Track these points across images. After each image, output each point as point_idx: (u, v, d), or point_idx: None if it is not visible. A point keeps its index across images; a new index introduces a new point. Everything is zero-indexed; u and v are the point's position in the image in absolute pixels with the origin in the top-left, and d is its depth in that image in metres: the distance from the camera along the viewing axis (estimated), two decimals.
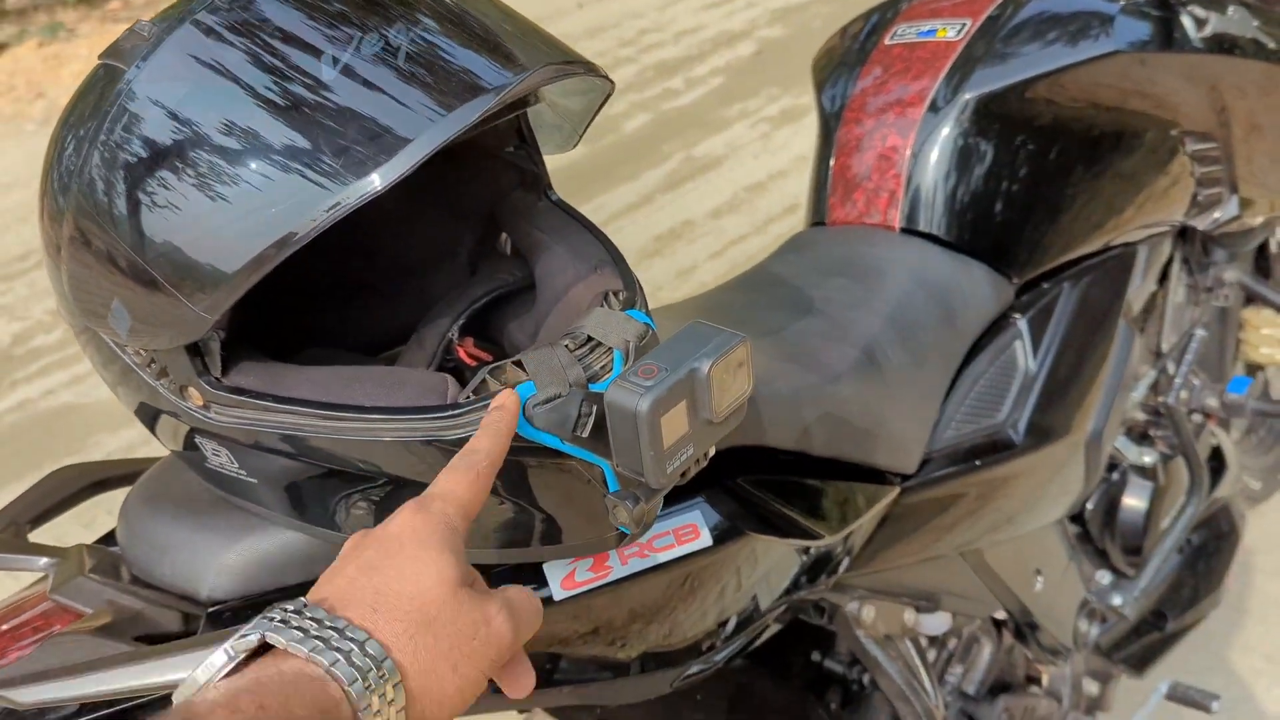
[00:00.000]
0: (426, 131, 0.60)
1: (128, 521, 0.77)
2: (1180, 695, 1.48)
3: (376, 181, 0.59)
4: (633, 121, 3.87)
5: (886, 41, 1.32)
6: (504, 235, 0.89)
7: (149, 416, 0.74)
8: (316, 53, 0.62)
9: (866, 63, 1.32)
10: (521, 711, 1.10)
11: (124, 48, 0.65)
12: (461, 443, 0.63)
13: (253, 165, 0.60)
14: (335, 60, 0.61)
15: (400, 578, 0.53)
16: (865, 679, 1.24)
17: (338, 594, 0.53)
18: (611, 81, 0.73)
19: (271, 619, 0.51)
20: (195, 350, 0.66)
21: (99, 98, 0.65)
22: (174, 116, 0.61)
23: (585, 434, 0.64)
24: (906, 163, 1.23)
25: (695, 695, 1.10)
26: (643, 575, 0.78)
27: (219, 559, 0.72)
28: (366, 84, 0.61)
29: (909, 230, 1.22)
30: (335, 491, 0.71)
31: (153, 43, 0.64)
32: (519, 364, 0.66)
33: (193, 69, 0.62)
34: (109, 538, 0.83)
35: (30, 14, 6.03)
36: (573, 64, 0.68)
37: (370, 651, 0.50)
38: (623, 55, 4.47)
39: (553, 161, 0.86)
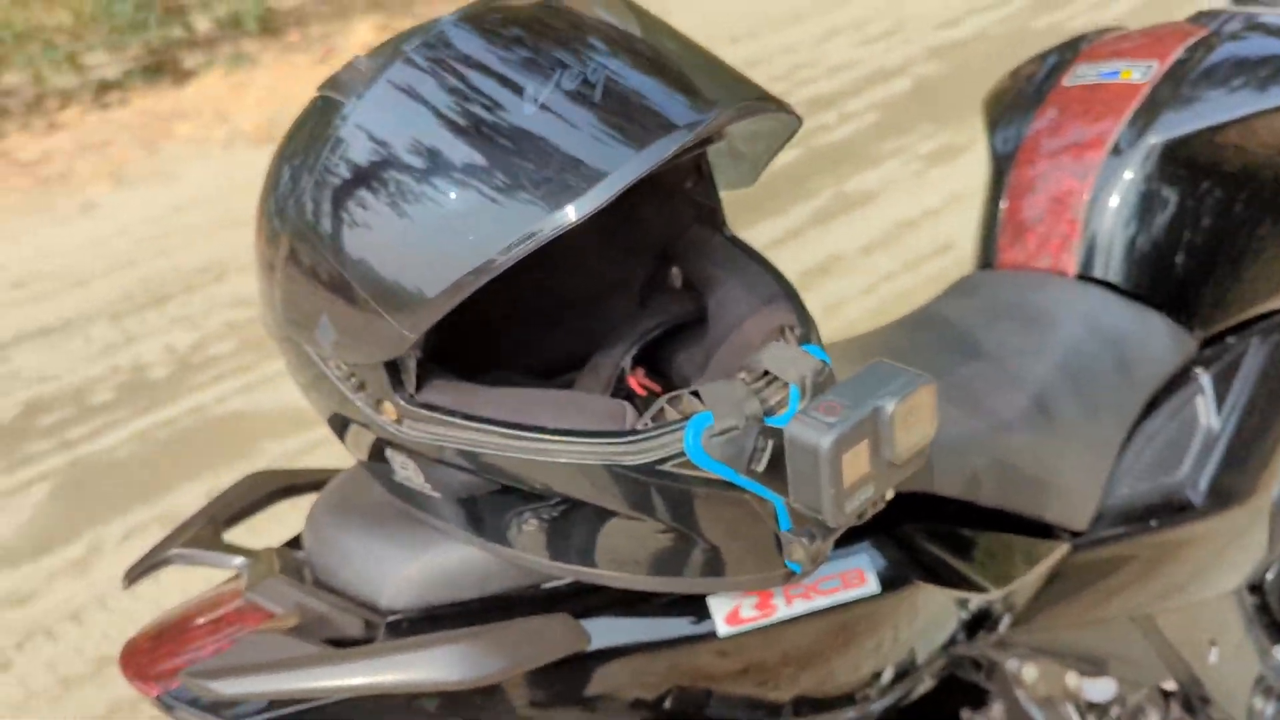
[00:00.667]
0: (621, 166, 0.62)
1: (314, 528, 0.81)
2: None
3: (571, 214, 0.61)
4: (783, 156, 3.83)
5: (1065, 83, 1.29)
6: (674, 269, 0.91)
7: (340, 425, 0.78)
8: (517, 88, 0.64)
9: (1043, 104, 1.29)
10: None
11: (342, 81, 0.70)
12: (638, 469, 0.64)
13: (456, 194, 0.63)
14: (535, 96, 0.64)
15: None
16: None
17: None
18: (799, 118, 0.73)
19: None
20: (393, 367, 0.69)
21: (317, 127, 0.69)
22: (386, 146, 0.64)
23: (760, 468, 0.64)
24: (1084, 207, 1.19)
25: None
26: (805, 618, 0.77)
27: (400, 571, 0.75)
28: (564, 119, 0.63)
29: (1084, 277, 1.18)
30: (510, 508, 0.73)
31: (369, 77, 0.68)
32: (696, 394, 0.67)
33: (404, 102, 0.66)
34: (295, 542, 0.87)
35: (217, 43, 6.47)
36: (765, 101, 0.68)
37: None
38: (776, 90, 4.45)
39: (726, 191, 0.87)
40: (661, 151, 0.62)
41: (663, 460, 0.65)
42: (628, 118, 0.64)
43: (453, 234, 0.62)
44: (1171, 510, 1.10)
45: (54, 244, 3.96)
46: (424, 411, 0.69)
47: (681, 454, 0.64)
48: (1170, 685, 1.24)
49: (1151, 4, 4.77)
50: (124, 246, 3.85)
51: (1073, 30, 1.50)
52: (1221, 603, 1.25)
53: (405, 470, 0.74)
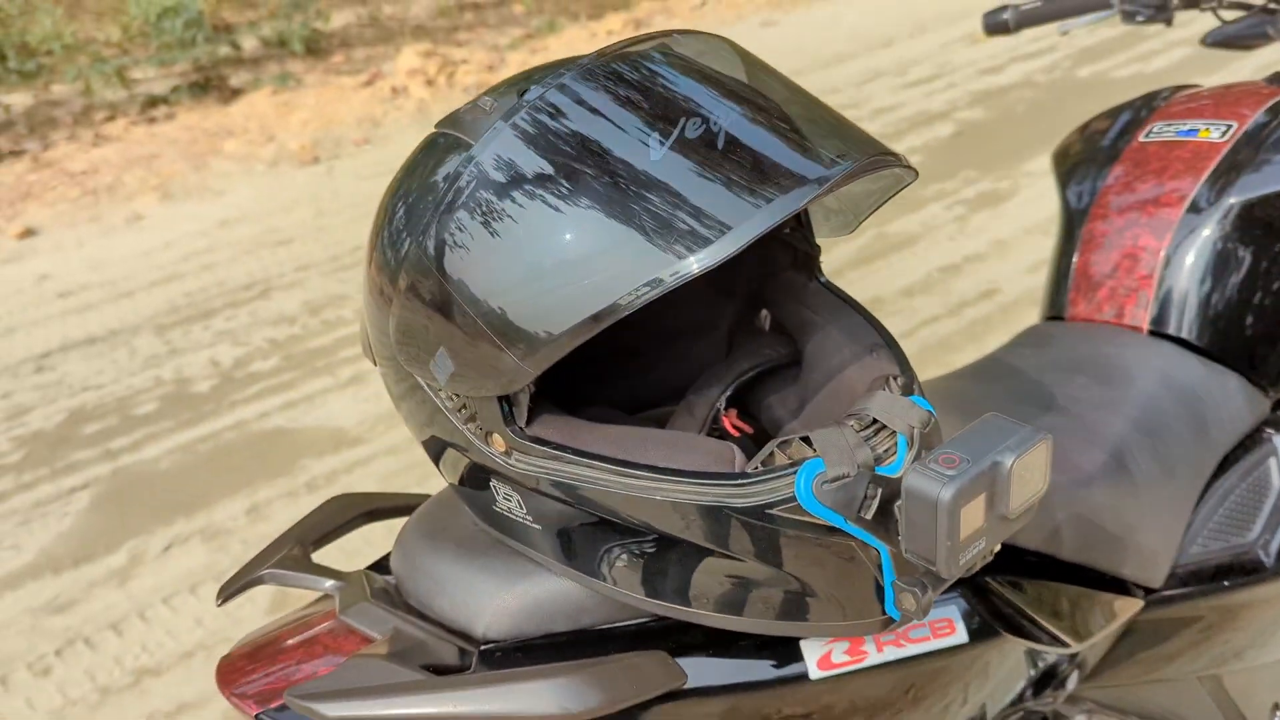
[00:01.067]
0: (749, 219, 0.63)
1: (406, 553, 0.82)
2: None
3: (695, 265, 0.62)
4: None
5: (1141, 139, 1.30)
6: (764, 312, 0.92)
7: (438, 449, 0.79)
8: (643, 135, 0.65)
9: (1118, 160, 1.29)
10: None
11: (466, 121, 0.71)
12: (746, 511, 0.65)
13: (583, 238, 0.64)
14: (660, 144, 0.65)
15: None
16: None
17: None
18: (916, 172, 0.74)
19: None
20: (505, 400, 0.70)
21: (439, 164, 0.71)
22: (513, 187, 0.66)
23: (869, 516, 0.65)
24: (1159, 263, 1.20)
25: None
26: (894, 664, 0.77)
27: (496, 600, 0.75)
28: (690, 168, 0.64)
29: (1157, 333, 1.19)
30: (609, 544, 0.73)
31: (494, 119, 0.69)
32: (806, 440, 0.67)
33: (530, 146, 0.67)
34: (380, 565, 0.88)
35: (264, 63, 6.58)
36: (884, 157, 0.69)
37: None
38: None
39: (824, 239, 0.88)
40: (790, 206, 0.63)
41: (772, 504, 0.65)
42: (755, 170, 0.64)
43: (579, 277, 0.63)
44: (1242, 570, 1.09)
45: (101, 255, 4.02)
46: (534, 445, 0.70)
47: (792, 499, 0.65)
48: None
49: (1192, 58, 4.79)
50: (170, 259, 3.91)
51: (1116, 81, 1.50)
52: None
53: (509, 501, 0.75)
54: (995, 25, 1.60)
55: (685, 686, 0.72)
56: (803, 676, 0.75)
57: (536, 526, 0.74)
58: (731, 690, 0.74)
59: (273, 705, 0.72)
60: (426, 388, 0.74)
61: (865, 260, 3.46)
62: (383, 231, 0.74)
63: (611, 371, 0.92)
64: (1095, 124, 1.40)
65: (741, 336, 0.92)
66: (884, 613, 0.70)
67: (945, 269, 3.37)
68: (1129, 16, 1.58)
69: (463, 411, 0.73)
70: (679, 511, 0.67)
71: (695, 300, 0.91)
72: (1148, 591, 1.03)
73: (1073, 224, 1.30)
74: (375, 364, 0.81)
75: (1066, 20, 1.60)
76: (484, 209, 0.66)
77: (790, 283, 0.86)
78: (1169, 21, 1.55)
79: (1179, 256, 1.18)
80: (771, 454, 0.68)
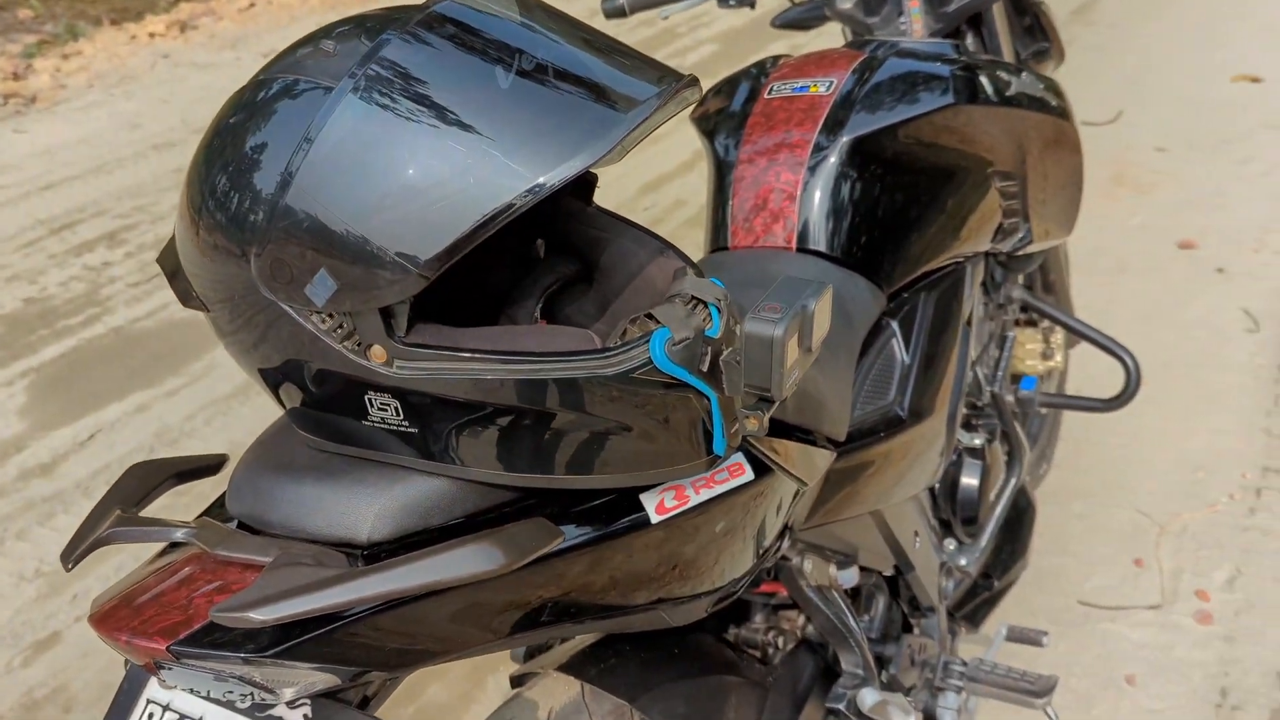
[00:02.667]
0: (615, 124, 0.76)
1: (255, 490, 0.85)
2: (1017, 635, 1.79)
3: (576, 165, 0.74)
4: None
5: (765, 96, 1.58)
6: (539, 240, 1.04)
7: (278, 378, 0.83)
8: (490, 68, 0.76)
9: (751, 115, 1.57)
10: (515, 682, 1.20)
11: (308, 64, 0.78)
12: (614, 379, 0.78)
13: (469, 148, 0.73)
14: (506, 74, 0.76)
15: None
16: (780, 641, 1.45)
17: None
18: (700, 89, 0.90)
19: None
20: (384, 313, 0.77)
21: (291, 104, 0.76)
22: (394, 113, 0.73)
23: (705, 369, 0.81)
24: (798, 193, 1.48)
25: (673, 652, 1.25)
26: (710, 503, 0.94)
27: (376, 504, 0.82)
28: (544, 91, 0.76)
29: (803, 249, 1.47)
30: (474, 431, 0.82)
31: (350, 59, 0.76)
32: (650, 316, 0.82)
33: (402, 78, 0.75)
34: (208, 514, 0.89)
35: None
36: (695, 84, 0.85)
37: None
38: None
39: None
40: (645, 112, 0.77)
41: (634, 369, 0.79)
42: (605, 88, 0.78)
43: (473, 183, 0.73)
44: (889, 425, 1.41)
45: None
46: (418, 350, 0.78)
47: (649, 362, 0.79)
48: (888, 572, 1.56)
49: (720, 54, 5.52)
50: None
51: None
52: (917, 502, 1.60)
53: (384, 411, 0.81)
54: (613, 10, 1.84)
55: (562, 546, 0.84)
56: (646, 523, 0.90)
57: (413, 430, 0.81)
58: (594, 543, 0.87)
59: (181, 636, 0.73)
60: (293, 313, 0.78)
61: None
62: (217, 185, 0.77)
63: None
64: (723, 89, 1.67)
65: (529, 264, 1.04)
66: (709, 453, 0.86)
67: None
68: (723, 1, 1.90)
69: (339, 330, 0.78)
70: (556, 388, 0.79)
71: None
72: (837, 445, 1.29)
73: (723, 173, 1.55)
74: (206, 310, 0.83)
75: (669, 5, 1.88)
76: (361, 136, 0.73)
77: (569, 208, 1.00)
78: (753, 5, 1.89)
79: (811, 187, 1.48)
80: (625, 330, 0.82)
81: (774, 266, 1.44)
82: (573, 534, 0.86)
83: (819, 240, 1.47)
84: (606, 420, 0.82)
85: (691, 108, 1.66)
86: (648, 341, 0.79)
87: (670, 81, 0.82)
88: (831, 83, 1.55)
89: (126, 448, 2.94)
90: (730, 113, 1.60)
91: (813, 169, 1.48)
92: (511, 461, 0.83)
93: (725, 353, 0.81)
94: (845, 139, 1.49)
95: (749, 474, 0.98)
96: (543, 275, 0.98)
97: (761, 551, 1.05)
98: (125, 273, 3.84)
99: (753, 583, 1.04)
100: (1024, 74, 1.68)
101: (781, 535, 1.09)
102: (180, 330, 3.48)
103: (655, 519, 0.90)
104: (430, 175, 0.73)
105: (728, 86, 1.68)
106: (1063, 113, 1.73)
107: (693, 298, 0.84)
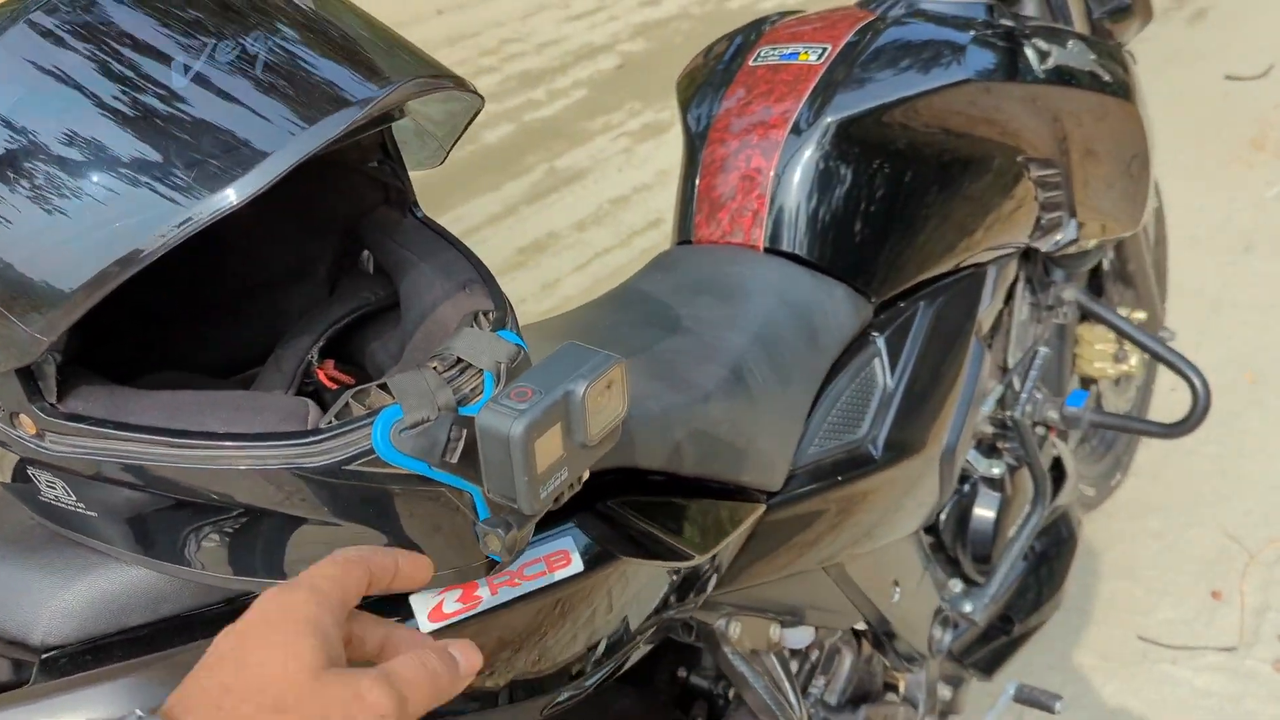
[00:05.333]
0: (287, 145, 0.58)
1: None
2: (1026, 697, 1.55)
3: (232, 196, 0.56)
4: (494, 132, 3.84)
5: (750, 63, 1.34)
6: (365, 253, 0.86)
7: None
8: (167, 59, 0.58)
9: (731, 84, 1.34)
10: None
11: None
12: (324, 470, 0.61)
13: (95, 177, 0.56)
14: (187, 68, 0.58)
15: (245, 667, 0.52)
16: (730, 693, 1.25)
17: (181, 698, 0.51)
18: (481, 97, 0.71)
19: None
20: (28, 374, 0.61)
21: None
22: (7, 124, 0.56)
23: (455, 459, 0.62)
24: (770, 184, 1.25)
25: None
26: (513, 604, 0.76)
27: (55, 600, 0.67)
28: (222, 94, 0.58)
29: (773, 250, 1.24)
30: (185, 524, 0.66)
31: None
32: (384, 387, 0.63)
33: (28, 73, 0.57)
34: None
35: None
36: (440, 78, 0.66)
37: None
38: (484, 64, 4.43)
39: (414, 170, 0.84)
40: (331, 129, 0.59)
41: (350, 459, 0.61)
42: (294, 93, 0.59)
43: (90, 222, 0.55)
44: (855, 465, 1.18)
45: None
46: (69, 423, 0.61)
47: (370, 451, 0.61)
48: (860, 626, 1.35)
49: None
50: None
51: (763, 11, 1.58)
52: (902, 546, 1.37)
53: (53, 490, 0.66)
54: None
55: None
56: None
57: (92, 514, 0.66)
58: None
59: None
60: None
61: (538, 196, 3.46)
62: None
63: (203, 332, 0.84)
64: (713, 50, 1.44)
65: (343, 281, 0.87)
66: (486, 557, 0.68)
67: (615, 200, 3.44)
68: None
69: None
70: (248, 479, 0.62)
71: (283, 243, 0.84)
72: (769, 496, 1.08)
73: (694, 148, 1.33)
74: None
75: None
76: None
77: (383, 219, 0.82)
78: None
79: (787, 176, 1.24)
80: (346, 405, 0.64)
81: (735, 269, 1.23)
82: None
83: (793, 240, 1.24)
84: (338, 520, 0.64)
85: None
86: (371, 424, 0.61)
87: (409, 78, 0.62)
88: (825, 50, 1.30)
89: None
90: (711, 79, 1.37)
91: (790, 154, 1.25)
92: (226, 560, 0.66)
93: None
94: (830, 120, 1.24)
95: (577, 565, 0.79)
96: (334, 304, 0.80)
97: (617, 642, 0.87)
98: None
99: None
100: (1071, 42, 1.38)
101: (656, 617, 0.90)
102: None
103: (428, 626, 0.73)
104: (42, 212, 0.56)
105: (720, 45, 1.44)
106: (1120, 89, 1.42)
107: (458, 360, 0.65)
